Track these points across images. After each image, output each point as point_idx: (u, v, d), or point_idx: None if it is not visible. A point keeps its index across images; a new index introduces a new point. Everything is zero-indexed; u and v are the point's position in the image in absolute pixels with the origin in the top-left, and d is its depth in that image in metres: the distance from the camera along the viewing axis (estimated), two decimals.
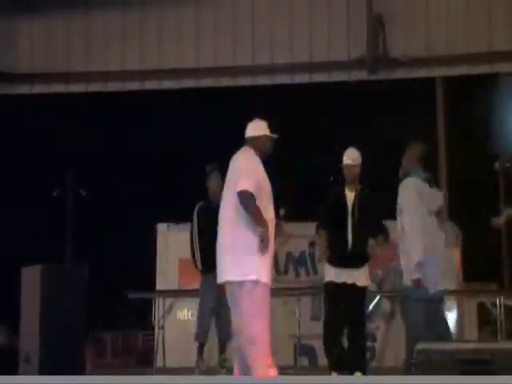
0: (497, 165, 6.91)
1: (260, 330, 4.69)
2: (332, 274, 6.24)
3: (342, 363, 6.05)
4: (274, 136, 5.11)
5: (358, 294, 6.24)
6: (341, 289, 6.18)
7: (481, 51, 7.81)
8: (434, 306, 5.72)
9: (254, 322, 4.70)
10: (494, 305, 8.26)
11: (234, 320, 4.90)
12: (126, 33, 8.38)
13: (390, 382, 4.70)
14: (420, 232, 5.64)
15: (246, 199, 4.77)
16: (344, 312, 6.18)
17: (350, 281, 6.20)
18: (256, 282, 4.73)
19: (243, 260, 4.77)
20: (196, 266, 7.10)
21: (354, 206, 6.23)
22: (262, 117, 5.16)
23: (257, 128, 5.10)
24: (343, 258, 6.20)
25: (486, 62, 7.94)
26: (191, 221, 7.17)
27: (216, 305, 6.94)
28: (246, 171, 4.85)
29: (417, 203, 5.69)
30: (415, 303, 5.69)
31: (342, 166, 6.29)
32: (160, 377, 5.73)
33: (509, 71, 8.32)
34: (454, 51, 7.87)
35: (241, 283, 4.77)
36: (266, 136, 5.07)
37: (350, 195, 6.28)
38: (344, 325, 6.18)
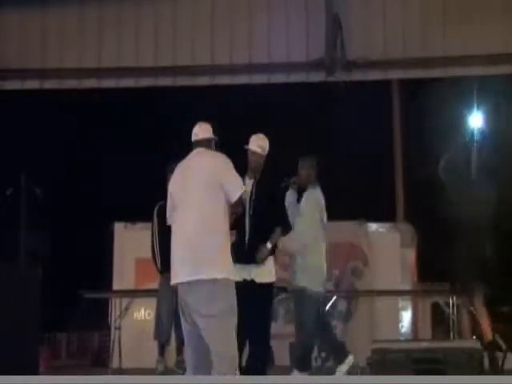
0: (441, 165, 7.02)
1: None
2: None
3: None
4: (216, 138, 5.13)
5: (258, 291, 5.72)
6: (240, 287, 5.25)
7: (435, 55, 7.93)
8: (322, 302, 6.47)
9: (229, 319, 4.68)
10: (448, 304, 8.40)
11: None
12: (84, 30, 8.29)
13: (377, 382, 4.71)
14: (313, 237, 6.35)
15: (241, 207, 4.94)
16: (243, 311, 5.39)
17: (249, 277, 5.72)
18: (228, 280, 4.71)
19: (217, 258, 4.71)
20: (156, 266, 7.07)
21: (251, 194, 5.84)
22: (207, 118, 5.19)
23: (210, 131, 5.11)
24: (241, 253, 5.52)
25: (440, 66, 8.07)
26: (151, 220, 7.13)
27: (175, 305, 6.92)
28: (236, 176, 4.88)
29: (315, 212, 6.35)
30: (310, 300, 6.19)
31: (248, 151, 5.85)
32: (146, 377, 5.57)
33: (462, 75, 8.47)
34: (409, 54, 7.98)
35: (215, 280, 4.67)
36: (213, 139, 5.11)
37: (249, 183, 5.86)
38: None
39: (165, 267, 6.96)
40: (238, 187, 4.86)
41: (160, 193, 7.27)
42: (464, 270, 6.80)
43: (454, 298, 8.31)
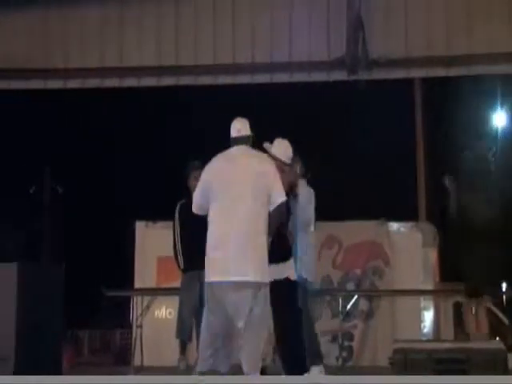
0: (446, 180, 6.99)
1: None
2: None
3: None
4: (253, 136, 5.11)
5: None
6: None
7: (458, 53, 7.86)
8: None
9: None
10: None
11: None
12: (104, 30, 8.34)
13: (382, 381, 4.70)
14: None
15: (283, 210, 4.87)
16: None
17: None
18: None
19: (265, 262, 4.76)
20: (178, 265, 7.09)
21: None
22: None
23: (249, 126, 5.06)
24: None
25: (464, 64, 8.01)
26: (173, 219, 7.15)
27: (197, 304, 6.95)
28: (281, 183, 4.87)
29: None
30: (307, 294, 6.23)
31: (271, 154, 5.51)
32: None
33: (486, 73, 8.40)
34: (432, 52, 7.93)
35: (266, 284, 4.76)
36: (252, 136, 5.08)
37: None
38: None
39: (187, 266, 6.99)
40: (282, 194, 4.84)
41: (181, 191, 7.30)
42: (473, 272, 6.79)
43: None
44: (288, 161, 5.56)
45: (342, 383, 4.91)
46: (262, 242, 4.74)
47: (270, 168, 4.91)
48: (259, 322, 4.66)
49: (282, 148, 5.56)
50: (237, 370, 4.81)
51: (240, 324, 4.66)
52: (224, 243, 4.76)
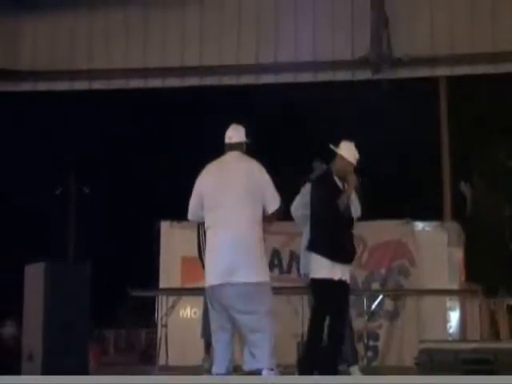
0: (461, 186, 6.94)
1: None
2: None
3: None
4: (248, 142, 5.26)
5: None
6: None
7: (484, 51, 7.79)
8: None
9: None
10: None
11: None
12: (129, 30, 8.39)
13: (393, 381, 4.69)
14: None
15: (278, 215, 5.05)
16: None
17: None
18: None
19: (262, 263, 4.96)
20: (203, 265, 7.10)
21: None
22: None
23: (243, 134, 5.22)
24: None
25: (489, 62, 7.93)
26: None
27: None
28: (275, 189, 5.03)
29: None
30: None
31: (339, 155, 5.85)
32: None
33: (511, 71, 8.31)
34: (457, 51, 7.86)
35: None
36: (246, 142, 5.22)
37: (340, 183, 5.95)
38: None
39: None
40: (277, 200, 5.01)
41: None
42: (488, 271, 6.74)
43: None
44: (354, 162, 5.82)
45: (368, 383, 4.90)
46: (258, 246, 4.93)
47: (261, 174, 5.05)
48: (260, 321, 4.82)
49: (349, 150, 5.84)
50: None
51: (242, 324, 4.85)
52: (222, 249, 4.95)
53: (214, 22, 8.15)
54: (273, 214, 4.98)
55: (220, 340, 4.96)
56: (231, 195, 4.92)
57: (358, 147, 5.93)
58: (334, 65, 8.05)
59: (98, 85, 8.62)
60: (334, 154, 5.92)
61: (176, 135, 15.08)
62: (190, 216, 5.22)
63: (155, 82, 8.56)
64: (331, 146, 5.79)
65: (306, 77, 8.27)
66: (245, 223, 4.88)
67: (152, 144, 15.43)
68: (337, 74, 8.15)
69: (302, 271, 6.59)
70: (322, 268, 5.76)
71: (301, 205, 6.33)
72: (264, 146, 5.56)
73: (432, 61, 7.95)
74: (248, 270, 4.85)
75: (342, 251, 5.82)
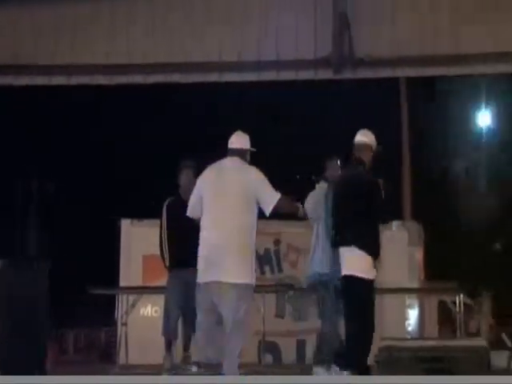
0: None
1: None
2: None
3: None
4: (253, 150, 5.46)
5: None
6: None
7: (443, 53, 7.89)
8: None
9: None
10: (454, 303, 8.38)
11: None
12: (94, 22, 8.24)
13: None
14: None
15: (287, 202, 5.29)
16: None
17: None
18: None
19: (250, 263, 5.17)
20: (164, 263, 7.07)
21: None
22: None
23: (246, 141, 5.46)
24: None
25: (448, 64, 8.03)
26: (160, 216, 7.13)
27: (183, 302, 6.94)
28: (271, 189, 5.23)
29: None
30: None
31: (366, 145, 6.06)
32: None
33: (472, 73, 8.44)
34: (417, 52, 7.94)
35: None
36: (248, 150, 5.44)
37: None
38: None
39: (173, 264, 6.97)
40: (273, 199, 5.19)
41: (168, 189, 7.29)
42: (470, 271, 6.82)
43: (461, 297, 8.30)
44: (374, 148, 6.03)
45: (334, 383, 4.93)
46: (248, 248, 5.15)
47: (255, 176, 5.27)
48: (242, 322, 5.09)
49: (370, 136, 6.10)
50: None
51: (227, 322, 5.09)
52: (214, 248, 5.18)
53: (181, 19, 8.10)
54: (277, 205, 5.16)
55: (203, 329, 5.26)
56: (226, 200, 5.20)
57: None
58: (297, 64, 8.07)
59: (59, 80, 8.49)
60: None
61: (137, 134, 14.98)
62: (188, 212, 5.50)
63: (120, 79, 8.43)
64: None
65: (269, 75, 8.28)
66: (237, 227, 5.15)
67: (115, 142, 15.31)
68: (299, 73, 8.18)
69: (318, 269, 6.38)
70: (373, 269, 5.76)
71: (316, 203, 6.35)
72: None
73: (393, 62, 8.01)
74: (235, 271, 5.11)
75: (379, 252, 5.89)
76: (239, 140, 5.42)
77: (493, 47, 7.72)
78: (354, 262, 5.68)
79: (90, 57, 8.17)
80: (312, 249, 6.44)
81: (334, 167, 6.64)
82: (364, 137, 6.09)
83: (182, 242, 6.95)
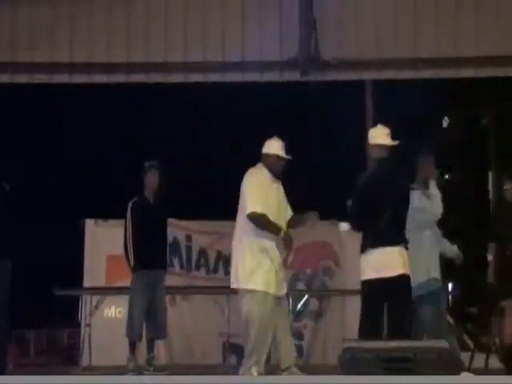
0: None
1: None
2: None
3: None
4: (287, 157, 5.56)
5: None
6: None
7: (408, 56, 7.99)
8: None
9: None
10: None
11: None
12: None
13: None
14: None
15: (255, 220, 5.35)
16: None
17: None
18: None
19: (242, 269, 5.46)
20: (129, 264, 7.03)
21: None
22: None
23: (270, 146, 5.57)
24: None
25: (412, 68, 8.13)
26: (125, 217, 7.08)
27: (147, 303, 6.90)
28: (252, 192, 5.37)
29: None
30: None
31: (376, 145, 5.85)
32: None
33: (434, 77, 8.55)
34: (382, 55, 8.03)
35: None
36: (277, 156, 5.52)
37: None
38: None
39: (138, 265, 6.93)
40: (249, 206, 5.34)
41: (133, 189, 7.24)
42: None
43: None
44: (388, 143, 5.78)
45: (292, 383, 4.94)
46: (244, 255, 5.40)
47: (246, 180, 5.46)
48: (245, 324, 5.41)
49: (266, 144, 5.88)
50: None
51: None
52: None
53: (141, 20, 8.04)
54: (250, 220, 5.35)
55: None
56: (239, 207, 5.54)
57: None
58: (263, 66, 8.09)
59: (20, 79, 8.36)
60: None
61: (102, 133, 14.87)
62: None
63: (81, 78, 8.35)
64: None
65: (234, 77, 8.28)
66: (236, 233, 5.49)
67: (79, 140, 15.17)
68: (265, 74, 8.20)
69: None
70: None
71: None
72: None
73: (358, 64, 8.09)
74: (234, 276, 5.46)
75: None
76: (266, 145, 5.60)
77: (452, 52, 7.85)
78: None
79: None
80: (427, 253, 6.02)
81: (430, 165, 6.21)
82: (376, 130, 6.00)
83: (147, 243, 6.92)
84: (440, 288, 6.05)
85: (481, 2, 7.96)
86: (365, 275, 5.70)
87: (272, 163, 5.51)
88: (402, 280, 5.59)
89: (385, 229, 5.64)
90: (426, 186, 6.14)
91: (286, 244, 5.45)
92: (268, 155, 5.55)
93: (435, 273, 6.02)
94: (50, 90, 9.32)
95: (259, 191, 5.38)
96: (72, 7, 8.06)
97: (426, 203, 6.02)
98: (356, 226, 5.88)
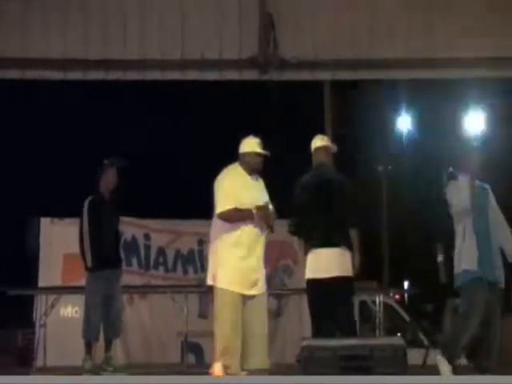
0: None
1: None
2: None
3: None
4: (265, 153, 5.50)
5: None
6: None
7: (363, 57, 8.04)
8: None
9: None
10: (374, 302, 8.56)
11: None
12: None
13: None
14: None
15: (225, 217, 5.36)
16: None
17: None
18: None
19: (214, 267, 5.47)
20: (85, 263, 6.93)
21: None
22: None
23: (247, 145, 5.50)
24: None
25: (368, 68, 8.19)
26: (80, 215, 6.97)
27: (104, 303, 6.84)
28: (220, 193, 5.38)
29: None
30: None
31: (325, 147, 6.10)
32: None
33: (389, 78, 8.63)
34: (339, 56, 8.06)
35: None
36: (255, 153, 5.45)
37: None
38: None
39: (94, 264, 6.85)
40: (217, 207, 5.35)
41: (89, 188, 7.15)
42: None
43: (381, 296, 8.49)
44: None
45: (252, 383, 4.94)
46: (216, 253, 5.42)
47: (216, 182, 5.46)
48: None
49: (241, 144, 5.76)
50: None
51: None
52: None
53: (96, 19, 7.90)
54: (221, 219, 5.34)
55: None
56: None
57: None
58: (222, 64, 8.06)
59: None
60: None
61: (56, 130, 14.69)
62: None
63: (56, 75, 8.15)
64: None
65: (193, 75, 8.23)
66: (210, 232, 5.52)
67: (35, 138, 14.97)
68: (224, 73, 8.17)
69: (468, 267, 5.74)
70: None
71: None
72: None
73: (315, 64, 8.11)
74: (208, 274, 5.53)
75: None
76: (241, 144, 5.56)
77: (408, 52, 7.92)
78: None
79: None
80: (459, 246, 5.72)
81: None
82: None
83: (104, 243, 6.85)
84: (473, 279, 5.62)
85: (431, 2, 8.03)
86: (305, 275, 5.93)
87: (250, 161, 5.47)
88: (339, 282, 5.72)
89: (321, 231, 5.84)
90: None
91: (263, 215, 5.40)
92: (246, 153, 5.48)
93: (465, 265, 5.67)
94: (20, 88, 9.15)
95: (229, 191, 5.36)
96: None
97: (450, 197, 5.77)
98: (291, 233, 6.35)
